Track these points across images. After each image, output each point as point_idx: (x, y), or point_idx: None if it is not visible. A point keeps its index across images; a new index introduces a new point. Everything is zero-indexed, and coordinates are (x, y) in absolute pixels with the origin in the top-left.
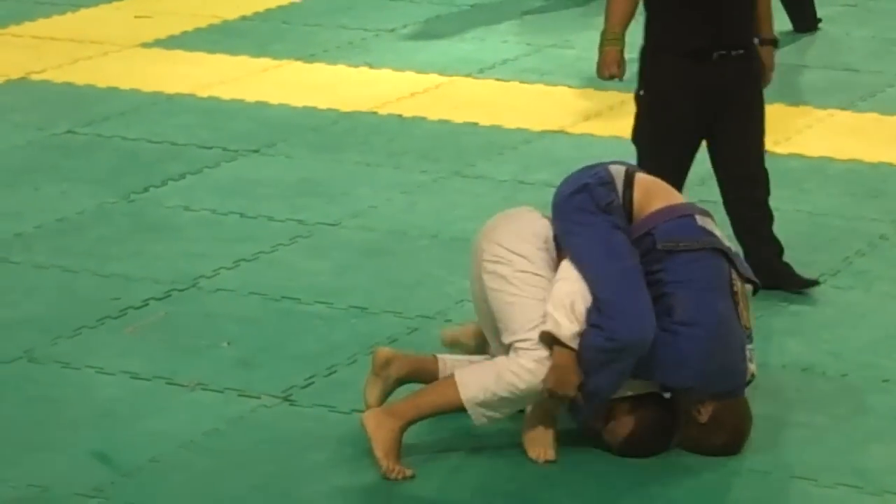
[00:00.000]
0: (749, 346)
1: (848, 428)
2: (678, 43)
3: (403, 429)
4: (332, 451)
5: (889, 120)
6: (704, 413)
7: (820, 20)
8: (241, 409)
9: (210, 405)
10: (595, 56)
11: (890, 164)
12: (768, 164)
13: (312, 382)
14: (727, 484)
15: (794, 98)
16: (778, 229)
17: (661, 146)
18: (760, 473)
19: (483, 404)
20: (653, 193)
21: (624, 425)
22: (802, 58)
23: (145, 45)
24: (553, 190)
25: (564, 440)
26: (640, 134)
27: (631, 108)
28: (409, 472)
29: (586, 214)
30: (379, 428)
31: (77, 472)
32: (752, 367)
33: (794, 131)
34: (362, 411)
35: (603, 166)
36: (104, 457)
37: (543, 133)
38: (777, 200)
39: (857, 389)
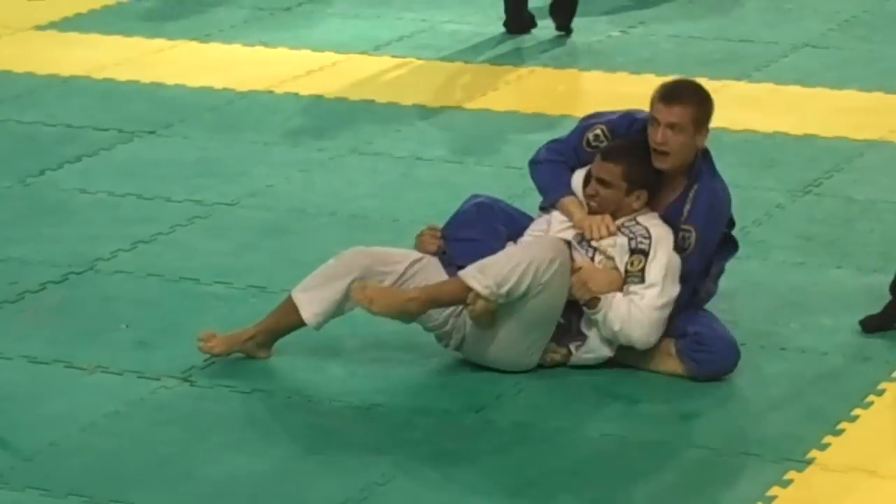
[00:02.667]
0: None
1: (747, 397)
2: None
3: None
4: (233, 431)
5: (783, 90)
6: None
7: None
8: (140, 390)
9: (110, 388)
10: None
11: (785, 134)
12: None
13: (212, 363)
14: (627, 455)
15: (689, 70)
16: None
17: None
18: (661, 444)
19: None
20: None
21: None
22: (696, 29)
23: (39, 28)
24: (451, 166)
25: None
26: None
27: (526, 84)
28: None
29: None
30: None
31: None
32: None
33: None
34: (263, 390)
35: None
36: (3, 441)
37: (440, 109)
38: None
39: (755, 358)
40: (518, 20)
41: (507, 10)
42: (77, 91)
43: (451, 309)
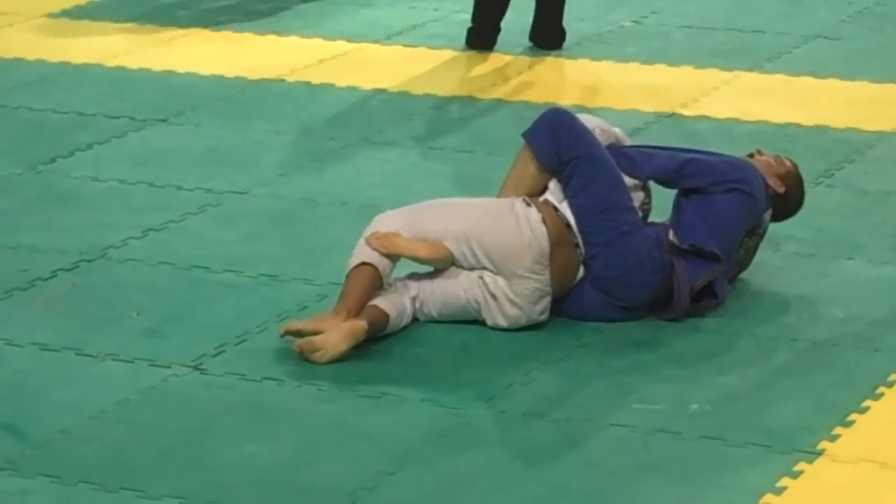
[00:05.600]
0: None
1: (757, 387)
2: None
3: None
4: (244, 419)
5: (795, 81)
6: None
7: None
8: (151, 378)
9: (120, 375)
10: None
11: (796, 125)
12: (674, 127)
13: (223, 351)
14: (637, 445)
15: (701, 60)
16: None
17: None
18: (670, 434)
19: None
20: None
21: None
22: (708, 20)
23: (51, 16)
24: (462, 156)
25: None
26: None
27: (537, 74)
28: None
29: None
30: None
31: None
32: None
33: (700, 93)
34: (273, 378)
35: None
36: (14, 429)
37: (452, 98)
38: None
39: (766, 349)
40: (488, 36)
41: (478, 23)
42: (88, 79)
43: None
